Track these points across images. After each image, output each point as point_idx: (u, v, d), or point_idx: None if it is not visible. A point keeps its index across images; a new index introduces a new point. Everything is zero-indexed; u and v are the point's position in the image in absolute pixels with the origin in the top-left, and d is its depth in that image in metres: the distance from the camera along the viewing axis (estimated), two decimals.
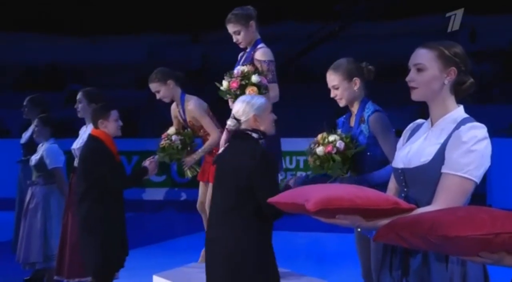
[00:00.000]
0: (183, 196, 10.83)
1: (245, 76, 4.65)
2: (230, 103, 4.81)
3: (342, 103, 4.09)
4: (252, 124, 3.75)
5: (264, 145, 4.74)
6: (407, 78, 2.66)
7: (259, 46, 4.88)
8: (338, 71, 4.04)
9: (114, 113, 4.90)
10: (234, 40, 4.94)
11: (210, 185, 5.42)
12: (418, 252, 2.54)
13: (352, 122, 4.09)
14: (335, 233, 7.53)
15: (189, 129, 5.59)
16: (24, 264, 5.95)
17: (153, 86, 5.43)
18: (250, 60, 4.84)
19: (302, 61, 17.05)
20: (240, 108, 3.78)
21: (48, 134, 6.04)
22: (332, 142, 3.96)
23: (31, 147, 6.45)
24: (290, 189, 3.17)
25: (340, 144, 3.94)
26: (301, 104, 16.04)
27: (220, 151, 4.12)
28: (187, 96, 5.49)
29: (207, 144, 5.48)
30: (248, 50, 4.95)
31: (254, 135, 3.75)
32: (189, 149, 5.58)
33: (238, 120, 3.77)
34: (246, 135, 3.74)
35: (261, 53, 4.82)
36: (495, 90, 14.25)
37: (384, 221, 2.40)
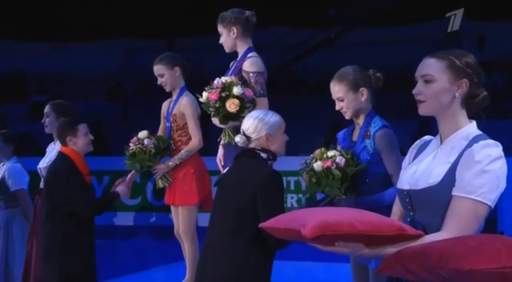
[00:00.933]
0: (160, 221, 10.77)
1: (226, 87, 4.66)
2: (211, 118, 4.82)
3: (347, 116, 4.09)
4: (263, 143, 3.76)
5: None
6: (414, 91, 2.67)
7: (249, 55, 4.90)
8: (343, 81, 4.03)
9: (82, 127, 4.85)
10: (220, 41, 5.00)
11: (178, 209, 5.41)
12: None
13: (355, 136, 4.09)
14: (327, 262, 7.51)
15: (166, 132, 5.52)
16: None
17: (158, 69, 5.43)
18: (238, 71, 4.86)
19: (293, 70, 17.09)
20: (251, 124, 3.79)
21: (10, 153, 6.01)
22: (331, 157, 3.96)
23: None
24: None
25: (340, 159, 3.94)
26: (292, 117, 16.03)
27: (224, 171, 4.10)
28: (187, 92, 5.48)
29: (185, 150, 5.41)
30: (238, 58, 4.97)
31: (263, 155, 3.75)
32: (161, 156, 5.49)
33: (248, 137, 3.77)
34: (255, 154, 3.73)
35: (249, 64, 4.84)
36: (506, 104, 14.30)
37: (389, 249, 2.41)
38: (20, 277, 5.55)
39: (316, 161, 3.99)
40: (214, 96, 4.67)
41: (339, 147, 4.07)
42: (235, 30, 4.91)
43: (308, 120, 14.34)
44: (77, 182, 4.70)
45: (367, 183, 3.99)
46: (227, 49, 5.01)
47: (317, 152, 4.04)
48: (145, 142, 5.42)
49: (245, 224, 3.58)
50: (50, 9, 24.80)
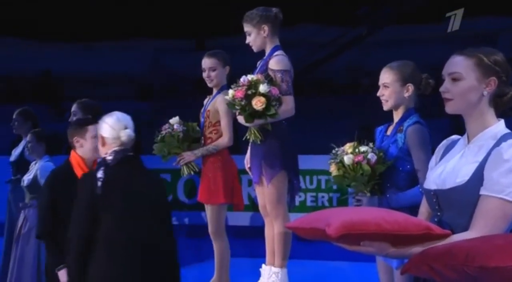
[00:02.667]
0: (192, 219, 10.80)
1: (252, 85, 4.67)
2: (237, 116, 4.83)
3: (386, 106, 4.09)
4: None
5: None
6: (441, 89, 2.66)
7: (275, 53, 4.89)
8: (395, 70, 4.06)
9: (92, 130, 4.39)
10: (246, 41, 4.98)
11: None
12: None
13: (390, 131, 4.10)
14: (354, 262, 7.49)
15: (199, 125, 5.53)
16: None
17: (211, 62, 5.42)
18: (265, 69, 4.86)
19: (322, 70, 17.06)
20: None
21: (42, 151, 6.05)
22: (363, 152, 3.96)
23: (21, 165, 6.47)
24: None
25: (372, 156, 3.95)
26: (322, 118, 16.02)
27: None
28: (226, 90, 5.48)
29: (213, 144, 5.40)
30: (264, 57, 4.98)
31: None
32: (189, 143, 5.47)
33: None
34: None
35: (276, 62, 4.84)
36: None
37: (415, 249, 2.40)
38: None
39: (347, 154, 3.99)
40: (240, 94, 4.68)
41: (371, 144, 4.07)
42: (266, 28, 4.91)
43: (337, 121, 14.33)
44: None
45: (392, 180, 3.98)
46: (255, 48, 5.00)
47: (349, 145, 4.04)
48: (175, 126, 5.43)
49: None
50: (80, 10, 25.00)
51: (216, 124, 5.41)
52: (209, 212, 5.42)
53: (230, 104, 4.79)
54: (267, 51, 4.96)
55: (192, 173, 5.50)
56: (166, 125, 5.47)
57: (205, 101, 5.61)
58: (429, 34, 17.73)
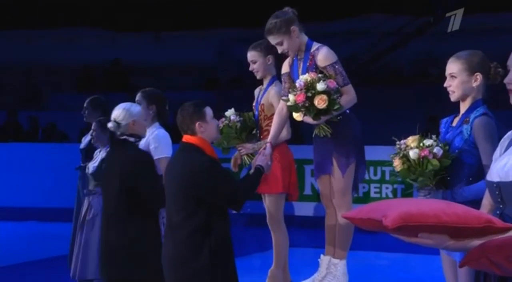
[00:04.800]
0: (253, 208, 10.85)
1: (309, 86, 4.67)
2: (301, 116, 4.82)
3: (454, 97, 4.00)
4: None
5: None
6: (506, 80, 2.64)
7: (314, 48, 4.87)
8: (462, 59, 3.96)
9: (209, 111, 4.39)
10: (279, 51, 4.96)
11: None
12: None
13: (456, 122, 4.03)
14: (420, 254, 7.41)
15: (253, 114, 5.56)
16: (80, 281, 6.08)
17: (252, 55, 5.46)
18: (314, 67, 4.84)
19: (389, 59, 16.89)
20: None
21: (106, 140, 6.15)
22: (429, 146, 3.90)
23: (90, 152, 6.58)
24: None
25: (438, 150, 3.87)
26: (388, 108, 15.88)
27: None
28: (277, 82, 5.48)
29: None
30: (301, 56, 4.94)
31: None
32: (247, 133, 5.49)
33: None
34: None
35: (323, 58, 4.82)
36: None
37: (475, 242, 2.38)
38: None
39: (411, 148, 3.94)
40: (301, 97, 4.68)
41: (434, 137, 4.00)
42: (295, 29, 4.89)
43: (405, 111, 14.16)
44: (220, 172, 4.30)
45: (457, 173, 3.91)
46: (293, 53, 4.93)
47: (412, 138, 3.99)
48: (232, 117, 5.48)
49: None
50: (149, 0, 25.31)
51: (272, 117, 5.43)
52: (267, 202, 5.45)
53: (293, 108, 4.79)
54: (302, 48, 4.92)
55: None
56: (223, 119, 5.52)
57: (255, 92, 5.64)
58: (504, 23, 17.37)
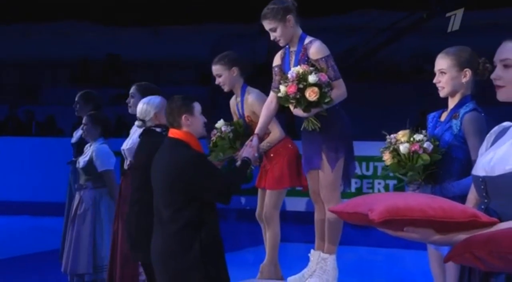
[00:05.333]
0: (246, 204, 10.86)
1: (301, 78, 4.65)
2: (291, 108, 4.82)
3: (443, 93, 4.01)
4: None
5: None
6: (492, 76, 2.62)
7: (307, 41, 4.85)
8: (451, 55, 3.98)
9: (198, 106, 4.34)
10: (272, 37, 4.93)
11: (266, 192, 5.44)
12: (501, 273, 2.48)
13: (444, 117, 4.03)
14: (406, 249, 7.40)
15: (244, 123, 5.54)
16: (72, 275, 6.08)
17: (216, 69, 5.45)
18: (306, 59, 4.82)
19: (385, 55, 16.89)
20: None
21: (97, 134, 6.14)
22: (419, 141, 3.90)
23: (82, 147, 6.58)
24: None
25: (428, 145, 3.88)
26: (379, 103, 15.88)
27: None
28: (249, 88, 5.49)
29: (266, 140, 5.39)
30: (294, 49, 4.92)
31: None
32: (240, 140, 5.41)
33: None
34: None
35: (316, 51, 4.80)
36: None
37: (460, 236, 2.37)
38: (108, 257, 5.68)
39: (401, 142, 3.93)
40: (292, 89, 4.66)
41: (424, 132, 4.00)
42: (291, 18, 4.87)
43: (400, 107, 14.16)
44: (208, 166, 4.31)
45: (446, 168, 3.91)
46: (284, 42, 4.89)
47: (402, 133, 3.98)
48: (223, 128, 5.46)
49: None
50: None
51: None
52: (270, 196, 5.43)
53: (283, 100, 4.77)
54: (295, 40, 4.90)
55: (253, 167, 5.51)
56: (214, 131, 5.51)
57: (231, 103, 5.61)
58: (498, 20, 17.38)
